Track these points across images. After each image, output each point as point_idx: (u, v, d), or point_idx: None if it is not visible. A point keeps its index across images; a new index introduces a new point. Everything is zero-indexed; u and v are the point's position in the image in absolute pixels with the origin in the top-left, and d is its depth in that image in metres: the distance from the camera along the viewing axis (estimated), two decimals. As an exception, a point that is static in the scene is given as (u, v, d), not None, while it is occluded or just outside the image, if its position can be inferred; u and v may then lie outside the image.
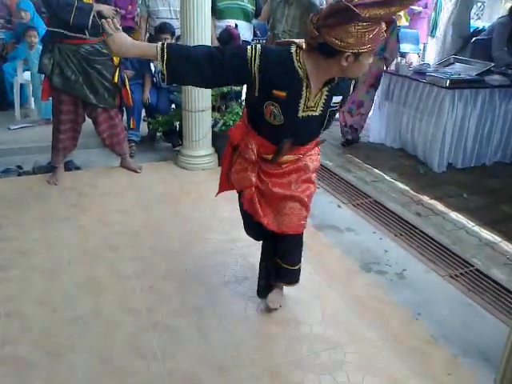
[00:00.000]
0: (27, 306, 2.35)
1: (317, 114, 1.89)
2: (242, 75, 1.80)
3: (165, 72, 1.76)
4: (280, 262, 2.33)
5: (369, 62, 1.74)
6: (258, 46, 1.79)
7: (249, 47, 1.77)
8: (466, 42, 5.77)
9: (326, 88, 1.84)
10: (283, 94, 1.81)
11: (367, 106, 4.89)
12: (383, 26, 1.66)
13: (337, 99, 1.89)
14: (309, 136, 2.04)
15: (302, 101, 1.84)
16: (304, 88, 1.81)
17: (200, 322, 2.29)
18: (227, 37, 4.70)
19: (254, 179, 2.07)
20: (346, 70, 1.72)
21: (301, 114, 1.87)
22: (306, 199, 2.13)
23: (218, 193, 2.36)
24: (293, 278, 2.41)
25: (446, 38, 5.84)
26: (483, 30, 6.23)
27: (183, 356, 2.09)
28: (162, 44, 1.75)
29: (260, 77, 1.77)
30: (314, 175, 2.15)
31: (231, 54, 1.77)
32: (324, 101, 1.87)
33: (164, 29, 4.41)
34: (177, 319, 2.31)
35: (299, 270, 2.39)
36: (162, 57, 1.73)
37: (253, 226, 2.28)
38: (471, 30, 5.98)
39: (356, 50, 1.64)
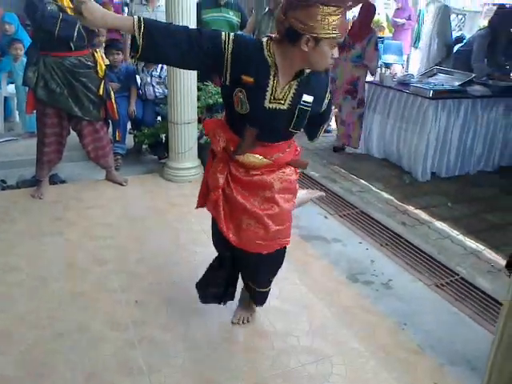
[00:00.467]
0: (11, 323, 2.32)
1: (285, 107, 1.83)
2: (216, 58, 1.77)
3: (140, 43, 1.68)
4: (249, 282, 2.28)
5: (332, 52, 1.73)
6: (231, 33, 1.79)
7: (222, 33, 1.78)
8: (450, 50, 5.89)
9: (296, 82, 1.82)
10: (251, 79, 1.79)
11: (346, 113, 4.97)
12: (347, 17, 1.69)
13: (307, 98, 1.83)
14: (276, 132, 1.92)
15: (269, 89, 1.81)
16: (272, 77, 1.80)
17: (186, 336, 2.28)
18: None
19: (221, 181, 2.00)
20: (309, 57, 1.72)
21: (267, 104, 1.83)
22: (266, 218, 1.98)
23: (197, 207, 2.24)
24: (258, 300, 2.36)
25: (430, 48, 5.95)
26: (463, 37, 6.37)
27: (170, 370, 2.07)
28: (139, 16, 1.70)
29: (231, 62, 1.77)
30: (280, 196, 2.00)
31: (207, 35, 1.76)
32: (293, 95, 1.83)
33: None
34: (163, 333, 2.29)
35: (266, 293, 2.33)
36: (140, 27, 1.67)
37: (218, 235, 2.16)
38: (453, 39, 6.11)
39: (316, 34, 1.65)
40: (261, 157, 1.94)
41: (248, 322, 2.39)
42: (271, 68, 1.79)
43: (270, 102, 1.83)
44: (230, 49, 1.75)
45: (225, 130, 1.96)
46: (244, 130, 1.88)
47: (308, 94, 1.84)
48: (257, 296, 2.33)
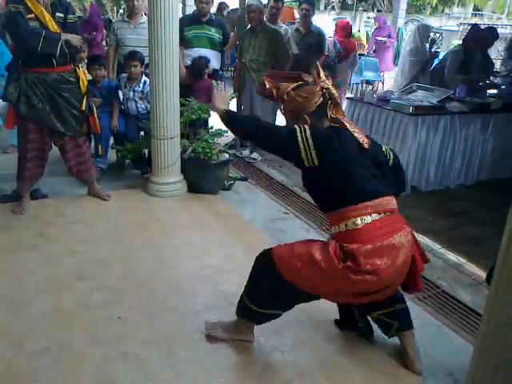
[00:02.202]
0: (-10, 340, 2.27)
1: None
2: None
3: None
4: None
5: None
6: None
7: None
8: (425, 67, 6.00)
9: None
10: None
11: None
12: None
13: None
14: None
15: None
16: None
17: (170, 352, 2.26)
18: (202, 65, 4.76)
19: None
20: None
21: None
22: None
23: None
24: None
25: (405, 65, 6.07)
26: (438, 53, 6.52)
27: (153, 387, 2.05)
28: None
29: None
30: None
31: None
32: None
33: (133, 56, 4.44)
34: (146, 349, 2.27)
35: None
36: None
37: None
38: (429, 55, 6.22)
39: None
40: None
41: (214, 337, 2.33)
42: None
43: None
44: None
45: None
46: None
47: None
48: None
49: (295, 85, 2.07)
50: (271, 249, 2.13)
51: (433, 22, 17.24)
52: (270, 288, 2.09)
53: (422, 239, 3.61)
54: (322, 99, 2.04)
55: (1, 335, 2.30)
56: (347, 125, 2.07)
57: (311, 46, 5.75)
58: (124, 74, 4.64)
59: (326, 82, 2.10)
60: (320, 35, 5.91)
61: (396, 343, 2.34)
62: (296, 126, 2.02)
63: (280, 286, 2.05)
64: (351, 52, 6.25)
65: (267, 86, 2.12)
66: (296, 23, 6.10)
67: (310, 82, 2.08)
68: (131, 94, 4.54)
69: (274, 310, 2.18)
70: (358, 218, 1.95)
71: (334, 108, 2.09)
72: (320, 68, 2.12)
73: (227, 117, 2.23)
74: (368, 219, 1.95)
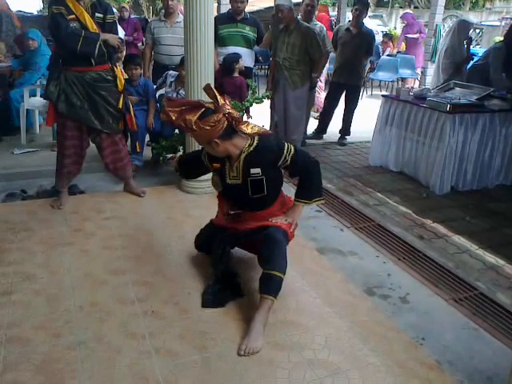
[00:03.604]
0: (29, 331, 2.34)
1: (240, 182, 2.51)
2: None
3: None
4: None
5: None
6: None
7: (202, 154, 2.72)
8: (461, 67, 5.82)
9: (241, 161, 2.45)
10: (217, 165, 2.56)
11: None
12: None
13: (254, 170, 2.43)
14: (244, 202, 2.61)
15: (227, 170, 2.53)
16: (226, 162, 2.52)
17: (203, 347, 2.28)
18: (232, 59, 4.75)
19: None
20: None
21: (228, 181, 2.54)
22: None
23: None
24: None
25: (440, 63, 5.91)
26: (475, 55, 6.30)
27: (185, 381, 2.07)
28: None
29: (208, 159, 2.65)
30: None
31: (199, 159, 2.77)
32: (242, 171, 2.47)
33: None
34: (179, 344, 2.29)
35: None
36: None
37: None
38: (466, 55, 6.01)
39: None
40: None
41: (256, 352, 2.26)
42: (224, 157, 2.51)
43: (229, 179, 2.54)
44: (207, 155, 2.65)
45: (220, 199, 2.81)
46: (224, 200, 2.75)
47: (254, 167, 2.44)
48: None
49: (199, 114, 2.26)
50: (287, 234, 2.60)
51: (472, 17, 16.79)
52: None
53: (459, 240, 3.54)
54: (226, 123, 2.30)
55: (40, 328, 2.37)
56: (262, 130, 2.46)
57: (359, 46, 5.70)
58: (174, 72, 4.67)
59: (226, 105, 2.31)
60: (370, 37, 5.84)
61: (433, 345, 2.30)
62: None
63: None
64: None
65: (173, 118, 2.27)
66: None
67: (211, 109, 2.29)
68: (174, 94, 4.58)
69: None
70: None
71: (239, 125, 2.36)
72: (215, 92, 2.30)
73: (308, 200, 2.61)
74: None
